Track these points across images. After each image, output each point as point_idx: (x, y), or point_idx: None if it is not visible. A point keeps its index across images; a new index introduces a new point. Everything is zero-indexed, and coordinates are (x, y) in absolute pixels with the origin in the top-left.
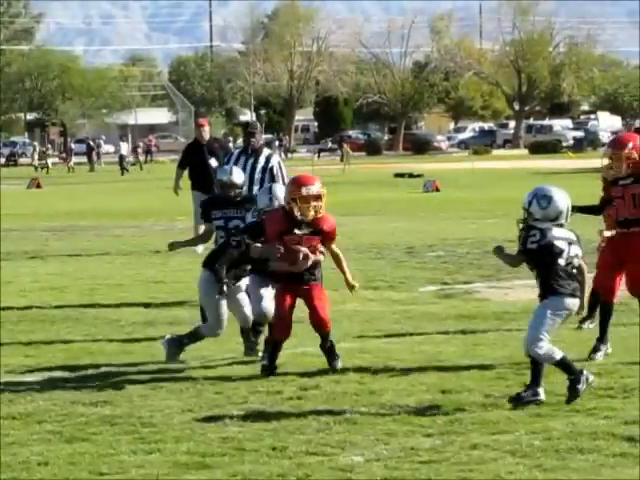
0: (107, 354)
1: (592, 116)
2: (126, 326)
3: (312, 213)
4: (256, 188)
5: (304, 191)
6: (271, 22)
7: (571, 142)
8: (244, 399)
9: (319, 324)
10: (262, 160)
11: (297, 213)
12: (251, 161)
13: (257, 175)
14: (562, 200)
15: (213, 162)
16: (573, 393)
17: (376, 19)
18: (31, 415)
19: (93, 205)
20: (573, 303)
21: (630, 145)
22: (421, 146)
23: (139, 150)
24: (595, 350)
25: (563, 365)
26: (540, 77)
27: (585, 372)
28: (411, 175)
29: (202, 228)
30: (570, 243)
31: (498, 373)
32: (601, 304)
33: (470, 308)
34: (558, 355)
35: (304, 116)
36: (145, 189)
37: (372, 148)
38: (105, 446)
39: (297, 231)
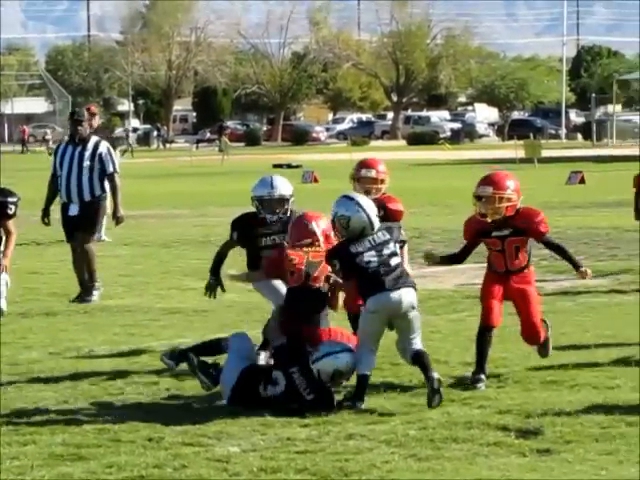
0: None
1: (469, 108)
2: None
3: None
4: (85, 177)
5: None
6: (149, 12)
7: (448, 133)
8: (120, 390)
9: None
10: (90, 147)
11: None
12: (78, 150)
13: (85, 163)
14: (361, 215)
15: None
16: (350, 403)
17: (255, 9)
18: None
19: None
20: (399, 294)
21: (511, 187)
22: (300, 137)
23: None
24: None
25: (360, 382)
26: (418, 69)
27: (358, 404)
28: (289, 166)
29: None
30: (378, 248)
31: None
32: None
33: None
34: (362, 370)
35: (182, 106)
36: (22, 178)
37: (251, 138)
38: None
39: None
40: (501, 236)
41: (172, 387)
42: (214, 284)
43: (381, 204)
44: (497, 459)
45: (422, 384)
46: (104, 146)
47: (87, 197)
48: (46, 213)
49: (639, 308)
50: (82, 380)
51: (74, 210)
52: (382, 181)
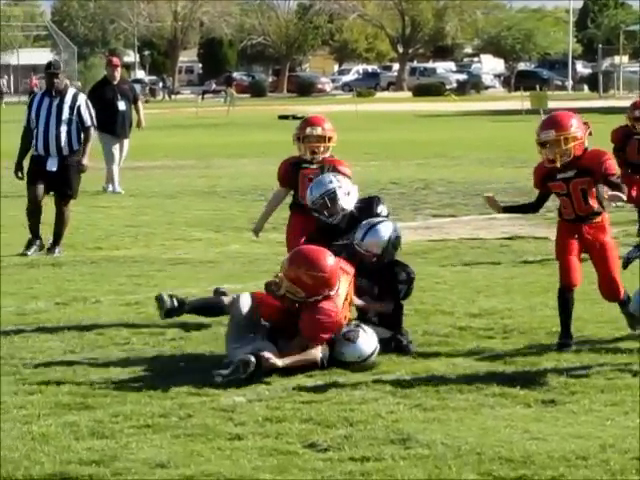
0: None
1: (475, 59)
2: (8, 267)
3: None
4: (64, 129)
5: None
6: None
7: (454, 85)
8: (126, 340)
9: None
10: (68, 100)
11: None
12: (56, 102)
13: (65, 116)
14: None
15: (122, 105)
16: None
17: None
18: None
19: None
20: None
21: (574, 124)
22: (305, 88)
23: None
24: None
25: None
26: (424, 20)
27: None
28: (295, 117)
29: (116, 170)
30: None
31: None
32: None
33: None
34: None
35: (188, 57)
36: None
37: (256, 90)
38: None
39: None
40: (566, 178)
41: (178, 337)
42: None
43: (330, 166)
44: (502, 409)
45: (428, 333)
46: (82, 99)
47: (66, 151)
48: (19, 167)
49: None
50: (88, 330)
51: (52, 165)
52: (329, 139)
